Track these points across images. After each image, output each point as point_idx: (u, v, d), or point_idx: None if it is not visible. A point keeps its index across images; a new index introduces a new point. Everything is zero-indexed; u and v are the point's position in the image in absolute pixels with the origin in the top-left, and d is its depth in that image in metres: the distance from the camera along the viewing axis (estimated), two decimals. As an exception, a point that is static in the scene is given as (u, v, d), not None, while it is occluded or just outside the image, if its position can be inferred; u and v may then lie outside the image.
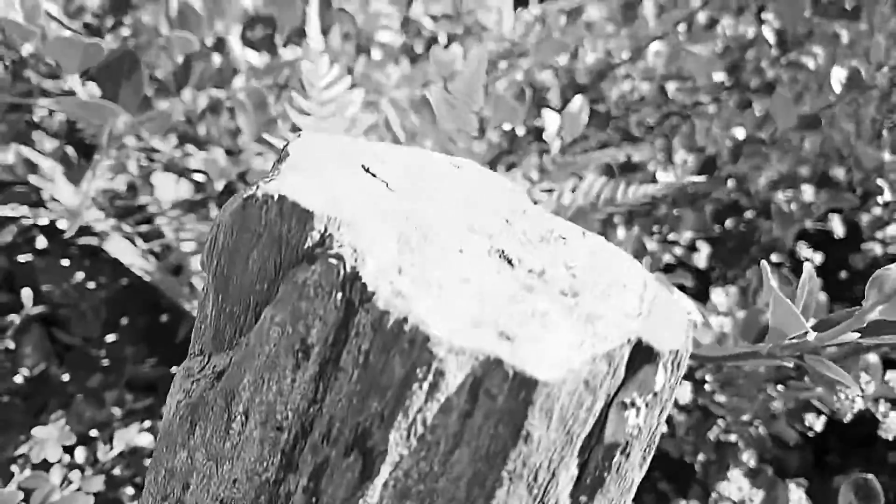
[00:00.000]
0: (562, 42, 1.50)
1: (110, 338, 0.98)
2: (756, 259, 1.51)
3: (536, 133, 1.30)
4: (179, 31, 0.70)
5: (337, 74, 0.68)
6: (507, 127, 1.08)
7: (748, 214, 1.47)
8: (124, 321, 0.99)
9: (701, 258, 1.24)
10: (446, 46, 1.80)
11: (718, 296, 1.32)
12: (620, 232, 1.02)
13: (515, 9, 2.25)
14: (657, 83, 1.46)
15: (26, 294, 0.77)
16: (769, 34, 1.43)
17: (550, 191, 0.87)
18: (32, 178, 0.71)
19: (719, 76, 1.51)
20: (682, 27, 1.31)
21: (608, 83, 1.53)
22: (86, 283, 0.89)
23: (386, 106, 0.80)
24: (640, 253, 0.79)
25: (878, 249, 1.48)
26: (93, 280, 0.89)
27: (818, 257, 1.32)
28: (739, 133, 1.38)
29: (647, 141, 1.59)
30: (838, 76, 1.15)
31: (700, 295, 1.43)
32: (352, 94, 0.68)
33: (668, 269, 1.32)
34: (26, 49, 0.62)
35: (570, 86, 1.51)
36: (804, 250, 1.31)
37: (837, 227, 1.33)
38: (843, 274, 1.58)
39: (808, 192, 1.28)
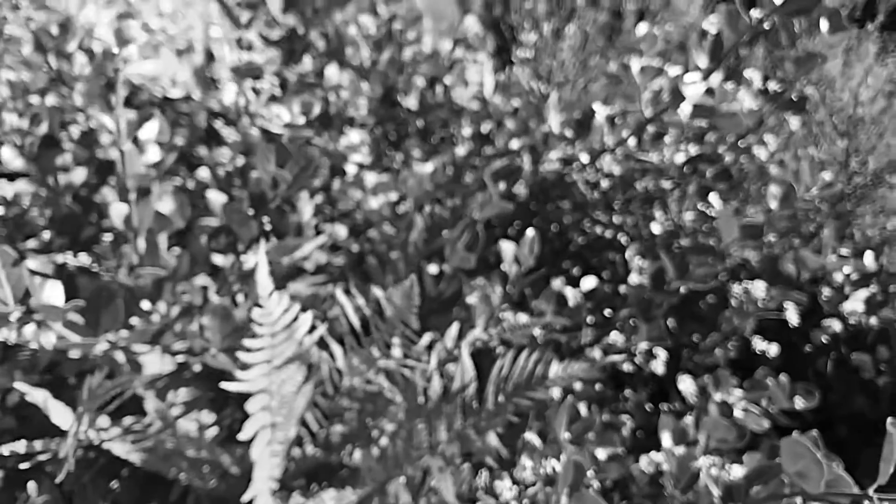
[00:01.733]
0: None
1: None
2: (724, 337, 1.59)
3: (497, 258, 1.39)
4: (150, 269, 0.80)
5: (286, 305, 0.78)
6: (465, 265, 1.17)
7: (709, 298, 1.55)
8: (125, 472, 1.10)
9: (658, 365, 1.32)
10: (426, 131, 1.90)
11: (685, 384, 1.41)
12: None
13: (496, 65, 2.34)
14: (617, 180, 1.54)
15: (31, 487, 0.88)
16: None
17: (494, 359, 0.96)
18: (28, 398, 0.81)
19: (679, 158, 1.60)
20: (632, 140, 1.39)
21: (573, 176, 1.61)
22: (87, 453, 0.99)
23: (340, 296, 0.89)
24: (574, 418, 0.88)
25: (836, 326, 1.55)
26: (91, 450, 1.00)
27: (773, 348, 1.39)
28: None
29: (613, 220, 1.67)
30: (773, 193, 1.23)
31: (667, 379, 1.51)
32: (300, 320, 0.78)
33: (627, 376, 1.40)
34: (14, 316, 0.72)
35: (536, 183, 1.60)
36: (759, 343, 1.38)
37: (792, 316, 1.40)
38: (808, 347, 1.65)
39: (759, 287, 1.35)
